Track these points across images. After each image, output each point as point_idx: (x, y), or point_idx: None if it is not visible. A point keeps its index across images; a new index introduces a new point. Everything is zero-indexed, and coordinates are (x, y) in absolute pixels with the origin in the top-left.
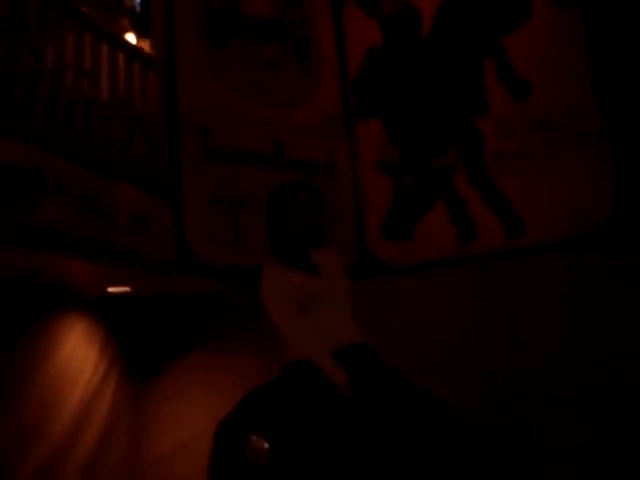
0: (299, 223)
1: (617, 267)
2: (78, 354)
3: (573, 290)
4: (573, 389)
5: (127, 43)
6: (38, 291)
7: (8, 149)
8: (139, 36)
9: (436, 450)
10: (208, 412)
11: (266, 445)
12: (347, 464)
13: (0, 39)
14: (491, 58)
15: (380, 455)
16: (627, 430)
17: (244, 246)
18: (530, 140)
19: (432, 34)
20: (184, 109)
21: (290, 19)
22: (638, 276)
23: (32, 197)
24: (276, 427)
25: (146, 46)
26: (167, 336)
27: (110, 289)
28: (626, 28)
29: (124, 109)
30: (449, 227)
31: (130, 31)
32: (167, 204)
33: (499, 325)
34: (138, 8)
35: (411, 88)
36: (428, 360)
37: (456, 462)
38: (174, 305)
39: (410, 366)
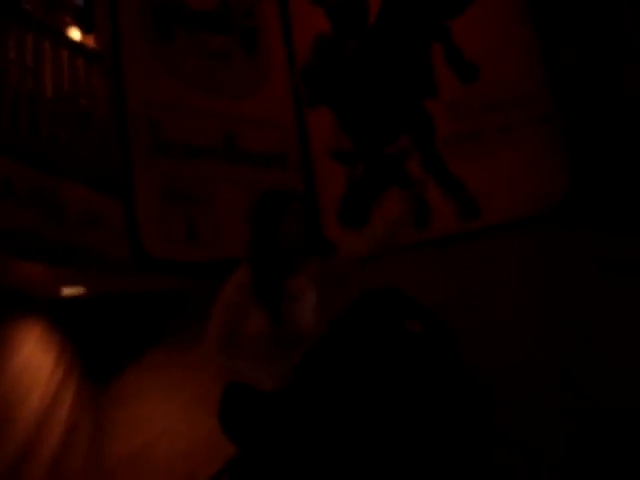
0: (290, 233)
1: (579, 242)
2: (34, 360)
3: (536, 269)
4: (548, 365)
5: (70, 39)
6: None
7: None
8: (84, 32)
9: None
10: (168, 412)
11: None
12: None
13: None
14: (439, 42)
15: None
16: (606, 406)
17: (200, 242)
18: (481, 122)
19: (379, 20)
20: (132, 104)
21: (236, 10)
22: (600, 249)
23: None
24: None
25: (91, 42)
26: (124, 337)
27: (64, 290)
28: (573, 6)
29: (69, 105)
30: (406, 215)
31: (74, 27)
32: (119, 201)
33: (465, 308)
34: (82, 3)
35: (360, 75)
36: None
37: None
38: (131, 304)
39: None
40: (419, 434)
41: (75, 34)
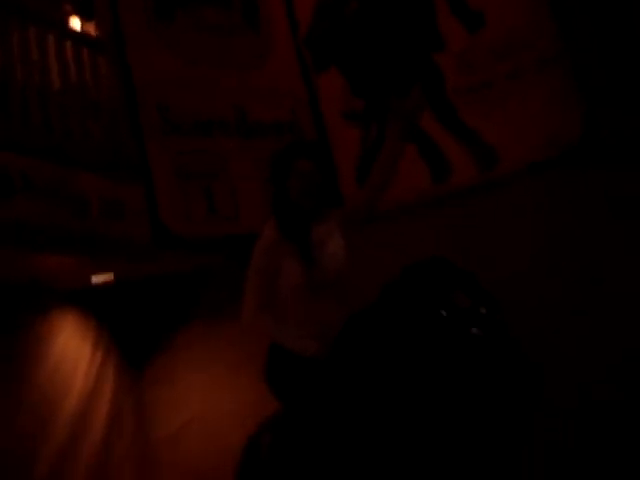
0: (300, 191)
1: (592, 184)
2: (72, 349)
3: (549, 213)
4: (562, 305)
5: (72, 30)
6: (21, 291)
7: None
8: (84, 19)
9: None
10: (207, 385)
11: None
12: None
13: None
14: None
15: None
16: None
17: (221, 216)
18: (491, 70)
19: None
20: (139, 87)
21: None
22: (612, 190)
23: (1, 198)
24: None
25: (92, 29)
26: (157, 318)
27: (94, 279)
28: None
29: (78, 96)
30: (423, 168)
31: (74, 15)
32: (137, 186)
33: (486, 256)
34: None
35: (364, 33)
36: None
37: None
38: (160, 286)
39: None
40: (469, 407)
41: (75, 22)
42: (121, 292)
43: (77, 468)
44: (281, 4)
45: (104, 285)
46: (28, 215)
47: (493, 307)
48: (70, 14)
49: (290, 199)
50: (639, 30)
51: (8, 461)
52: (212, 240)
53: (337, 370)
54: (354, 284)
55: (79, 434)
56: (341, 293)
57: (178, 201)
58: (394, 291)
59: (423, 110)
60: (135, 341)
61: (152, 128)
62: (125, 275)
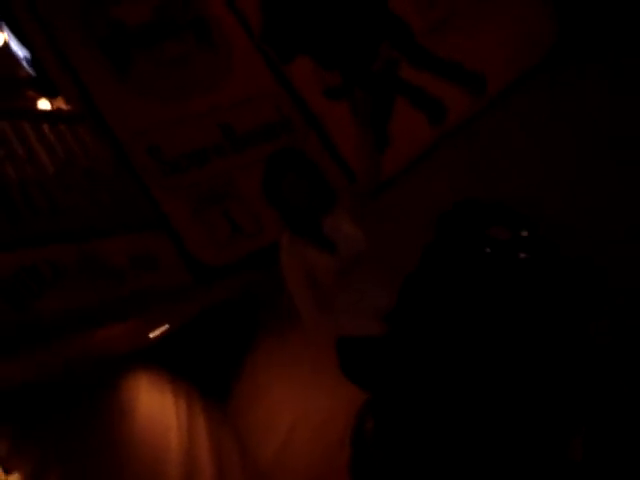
0: (295, 206)
1: (583, 81)
2: (155, 406)
3: (544, 121)
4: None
5: (44, 111)
6: (92, 367)
7: None
8: (50, 98)
9: None
10: (299, 391)
11: None
12: None
13: None
14: None
15: None
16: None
17: (246, 234)
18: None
19: None
20: (125, 140)
21: (175, 9)
22: (601, 83)
23: (36, 295)
24: None
25: (62, 103)
26: (224, 346)
27: (152, 335)
28: None
29: (73, 171)
30: (419, 117)
31: (40, 98)
32: (159, 232)
33: (503, 176)
34: (33, 72)
35: (316, 8)
36: None
37: None
38: (217, 316)
39: None
40: (547, 330)
41: (44, 104)
42: (182, 336)
43: None
44: (229, 14)
45: (163, 336)
46: (70, 301)
47: (531, 227)
48: (36, 98)
49: (290, 207)
50: None
51: None
52: (244, 259)
53: (409, 337)
54: (391, 252)
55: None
56: (375, 268)
57: (202, 233)
58: (436, 247)
59: (399, 63)
60: (210, 377)
61: (151, 174)
62: (179, 319)
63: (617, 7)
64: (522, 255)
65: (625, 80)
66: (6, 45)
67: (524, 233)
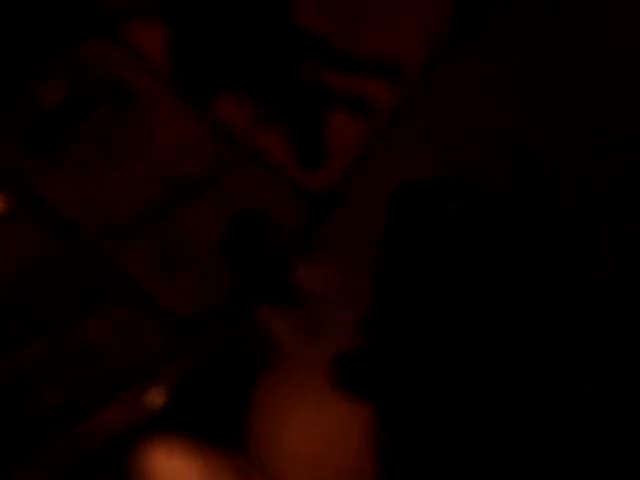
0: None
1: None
2: (176, 474)
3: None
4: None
5: None
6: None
7: None
8: None
9: None
10: (312, 422)
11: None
12: None
13: None
14: None
15: None
16: None
17: (214, 280)
18: None
19: None
20: (78, 224)
21: (87, 79)
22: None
23: (27, 397)
24: None
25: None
26: (229, 392)
27: (150, 404)
28: None
29: (42, 285)
30: (351, 119)
31: None
32: (132, 300)
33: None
34: None
35: (221, 40)
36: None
37: None
38: (213, 366)
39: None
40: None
41: None
42: (182, 395)
43: None
44: (141, 68)
45: (162, 402)
46: (55, 394)
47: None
48: None
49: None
50: None
51: None
52: (220, 306)
53: (398, 329)
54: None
55: None
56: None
57: (173, 289)
58: (390, 241)
59: (318, 72)
60: (220, 427)
61: (110, 246)
62: (172, 381)
63: None
64: (452, 205)
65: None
66: None
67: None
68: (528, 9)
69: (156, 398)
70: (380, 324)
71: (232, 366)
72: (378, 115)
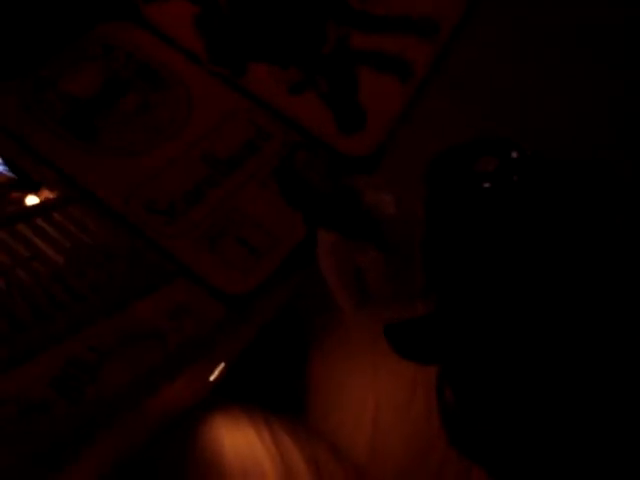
0: (314, 183)
1: None
2: (240, 442)
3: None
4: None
5: (34, 206)
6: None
7: None
8: (35, 191)
9: None
10: (370, 386)
11: None
12: None
13: None
14: None
15: None
16: None
17: (264, 250)
18: None
19: None
20: (118, 206)
21: (118, 67)
22: None
23: (87, 383)
24: None
25: (47, 193)
26: (285, 362)
27: (211, 378)
28: None
29: (82, 254)
30: (388, 80)
31: (26, 195)
32: (181, 280)
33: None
34: (8, 171)
35: (251, 14)
36: None
37: None
38: (269, 337)
39: None
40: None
41: (31, 199)
42: (241, 367)
43: None
44: (170, 52)
45: (223, 375)
46: (119, 375)
47: (518, 148)
48: (22, 197)
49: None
50: None
51: None
52: (272, 277)
53: (453, 298)
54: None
55: None
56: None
57: (222, 266)
58: (434, 204)
59: (348, 36)
60: (278, 396)
61: (155, 228)
62: (232, 354)
63: None
64: (515, 178)
65: None
66: None
67: (513, 154)
68: None
69: (217, 372)
70: (436, 290)
71: (288, 336)
72: (417, 73)
